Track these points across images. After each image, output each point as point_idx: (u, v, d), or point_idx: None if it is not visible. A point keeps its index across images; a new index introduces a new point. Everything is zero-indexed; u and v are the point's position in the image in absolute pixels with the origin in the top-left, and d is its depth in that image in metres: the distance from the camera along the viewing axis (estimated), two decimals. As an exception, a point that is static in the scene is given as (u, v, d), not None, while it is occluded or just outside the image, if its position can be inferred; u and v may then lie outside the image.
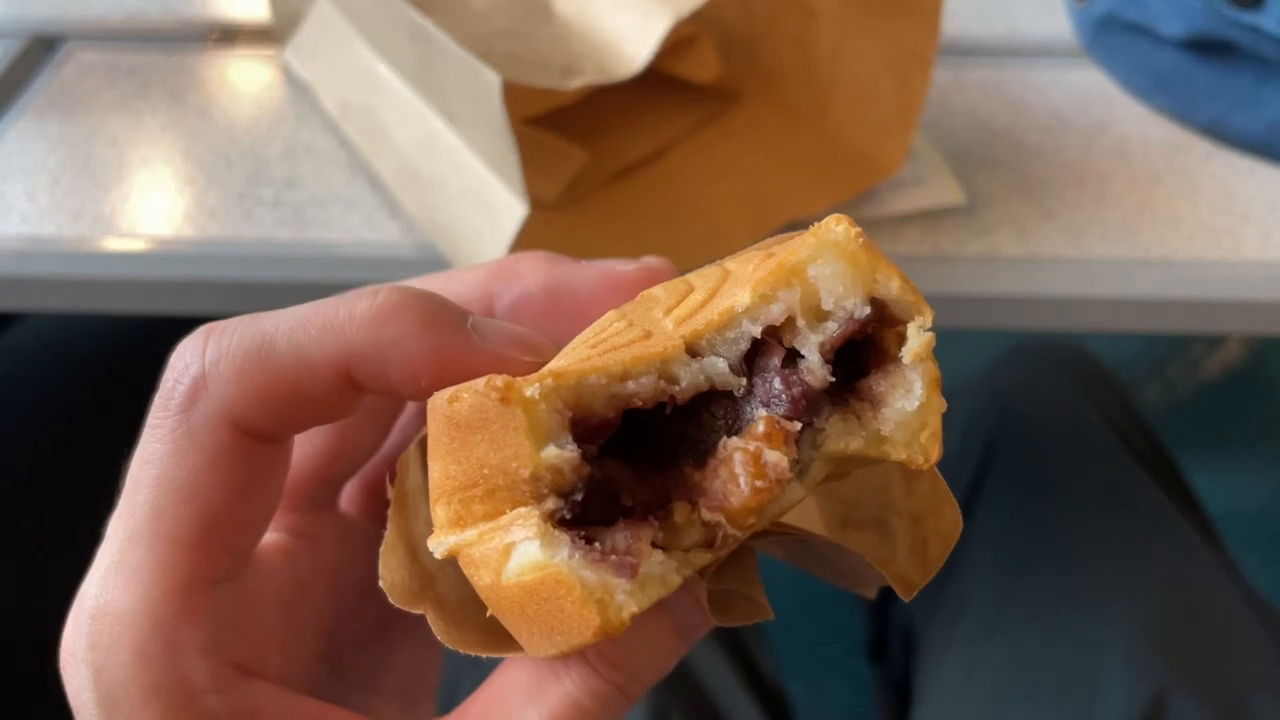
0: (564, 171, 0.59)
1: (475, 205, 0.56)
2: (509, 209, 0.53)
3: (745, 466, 0.20)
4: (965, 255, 0.60)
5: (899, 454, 0.21)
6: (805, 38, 0.62)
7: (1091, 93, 0.72)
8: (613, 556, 0.19)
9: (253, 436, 0.25)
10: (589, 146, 0.61)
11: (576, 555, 0.19)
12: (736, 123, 0.65)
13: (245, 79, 0.73)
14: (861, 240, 0.21)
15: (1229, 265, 0.60)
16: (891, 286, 0.21)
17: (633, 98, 0.59)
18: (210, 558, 0.25)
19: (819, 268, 0.21)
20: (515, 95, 0.50)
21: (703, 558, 0.20)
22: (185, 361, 0.24)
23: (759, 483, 0.20)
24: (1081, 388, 0.79)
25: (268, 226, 0.61)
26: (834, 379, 0.21)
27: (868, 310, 0.21)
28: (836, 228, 0.21)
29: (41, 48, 0.75)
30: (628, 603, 0.19)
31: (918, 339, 0.21)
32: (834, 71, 0.62)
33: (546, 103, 0.60)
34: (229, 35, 0.76)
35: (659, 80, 0.62)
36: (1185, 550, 0.67)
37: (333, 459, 0.31)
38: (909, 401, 0.20)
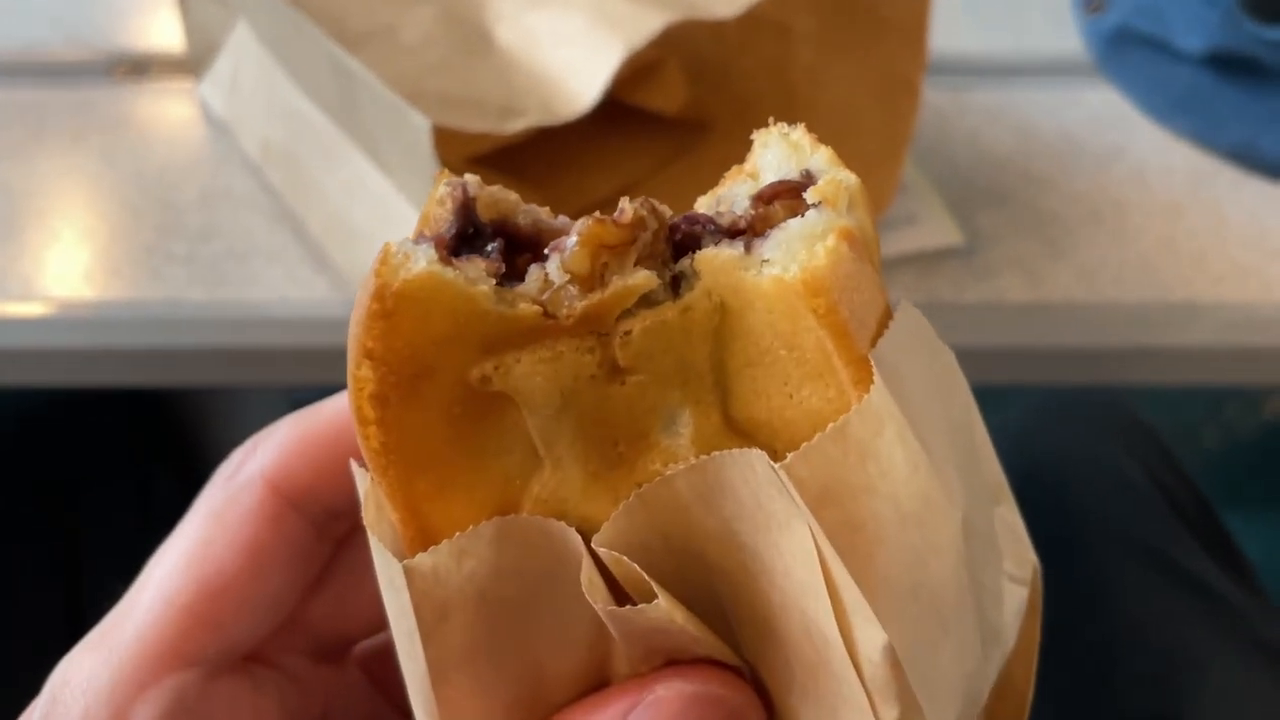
0: (512, 218, 0.54)
1: (408, 261, 0.50)
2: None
3: (589, 220, 0.20)
4: (965, 302, 0.57)
5: (772, 270, 0.20)
6: (781, 61, 0.57)
7: (1105, 115, 0.68)
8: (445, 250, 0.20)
9: (288, 500, 0.26)
10: (543, 187, 0.56)
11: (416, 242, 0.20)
12: (707, 157, 0.61)
13: (156, 116, 0.67)
14: (811, 136, 0.22)
15: (1259, 308, 0.56)
16: (820, 158, 0.22)
17: (591, 132, 0.54)
18: (195, 628, 0.24)
19: (764, 155, 0.23)
20: (450, 138, 0.46)
21: (531, 313, 0.20)
22: (244, 444, 0.27)
23: (589, 221, 0.20)
24: (1121, 444, 0.75)
25: (179, 285, 0.57)
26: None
27: (795, 176, 0.22)
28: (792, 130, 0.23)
29: (-73, 83, 0.69)
30: (419, 261, 0.19)
31: (825, 180, 0.21)
32: (813, 98, 0.58)
33: (491, 140, 0.55)
34: (139, 67, 0.70)
35: (620, 111, 0.57)
36: (1232, 628, 0.63)
37: (348, 615, 0.31)
38: (797, 223, 0.20)
